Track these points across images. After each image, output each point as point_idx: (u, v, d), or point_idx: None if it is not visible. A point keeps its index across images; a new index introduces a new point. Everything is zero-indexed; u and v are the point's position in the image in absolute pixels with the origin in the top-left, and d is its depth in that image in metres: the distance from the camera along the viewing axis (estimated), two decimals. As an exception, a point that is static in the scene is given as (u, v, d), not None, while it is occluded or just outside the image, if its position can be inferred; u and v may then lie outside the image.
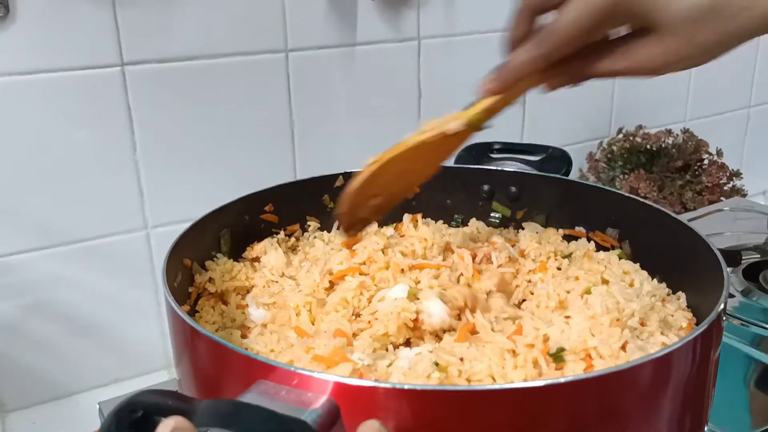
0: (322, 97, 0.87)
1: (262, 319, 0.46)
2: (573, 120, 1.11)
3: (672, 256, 0.49)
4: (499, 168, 0.61)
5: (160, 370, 0.84)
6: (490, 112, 0.49)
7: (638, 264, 0.53)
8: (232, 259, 0.54)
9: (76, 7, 0.70)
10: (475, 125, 0.48)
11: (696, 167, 1.11)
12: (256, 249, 0.55)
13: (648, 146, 1.11)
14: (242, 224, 0.55)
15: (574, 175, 1.11)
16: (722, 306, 0.39)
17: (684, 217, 0.95)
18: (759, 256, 0.86)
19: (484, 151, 0.64)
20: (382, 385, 0.30)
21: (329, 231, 0.61)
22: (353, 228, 0.52)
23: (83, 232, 0.77)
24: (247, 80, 0.81)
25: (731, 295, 0.77)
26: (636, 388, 0.34)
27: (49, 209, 0.74)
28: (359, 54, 0.88)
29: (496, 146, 0.64)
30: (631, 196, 0.54)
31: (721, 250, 0.71)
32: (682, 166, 1.09)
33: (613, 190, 0.55)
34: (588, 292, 0.46)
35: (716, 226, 0.95)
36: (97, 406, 0.63)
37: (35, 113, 0.71)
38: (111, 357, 0.82)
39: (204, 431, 0.27)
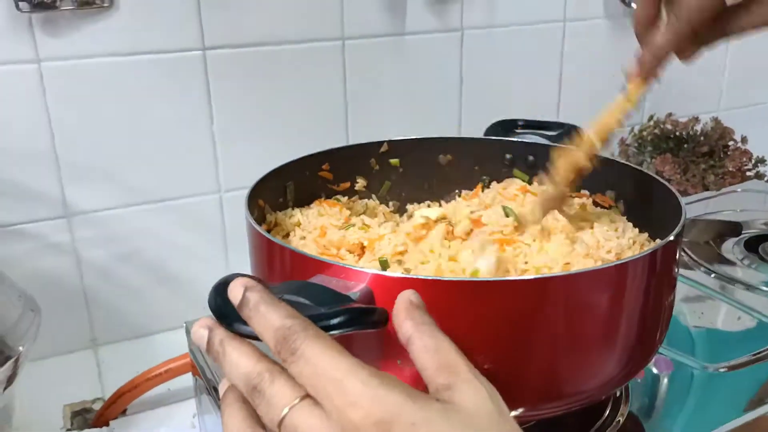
0: (373, 81, 0.97)
1: None
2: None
3: (650, 210, 0.59)
4: (519, 140, 0.71)
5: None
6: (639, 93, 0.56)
7: (629, 221, 0.63)
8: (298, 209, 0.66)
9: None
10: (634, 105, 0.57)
11: (721, 153, 1.18)
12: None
13: (676, 133, 1.19)
14: (304, 178, 0.67)
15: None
16: (677, 230, 0.49)
17: (699, 195, 1.04)
18: (764, 228, 0.95)
19: (511, 126, 0.75)
20: (407, 275, 0.42)
21: (376, 192, 0.73)
22: None
23: (165, 192, 0.88)
24: (309, 64, 0.92)
25: (731, 263, 0.87)
26: (583, 294, 0.44)
27: (137, 172, 0.86)
28: (408, 43, 0.99)
29: (520, 123, 0.74)
30: (623, 162, 0.64)
31: (723, 221, 0.82)
32: (708, 151, 1.17)
33: (610, 158, 0.65)
34: (573, 236, 0.57)
35: (727, 204, 1.04)
36: (184, 325, 0.76)
37: (131, 89, 0.83)
38: (184, 303, 0.93)
39: (280, 297, 0.39)
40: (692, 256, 0.87)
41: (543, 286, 0.43)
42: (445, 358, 0.37)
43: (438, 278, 0.42)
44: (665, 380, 0.65)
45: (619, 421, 0.59)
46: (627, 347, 0.49)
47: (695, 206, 1.03)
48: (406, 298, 0.40)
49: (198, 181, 0.90)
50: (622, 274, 0.45)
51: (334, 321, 0.37)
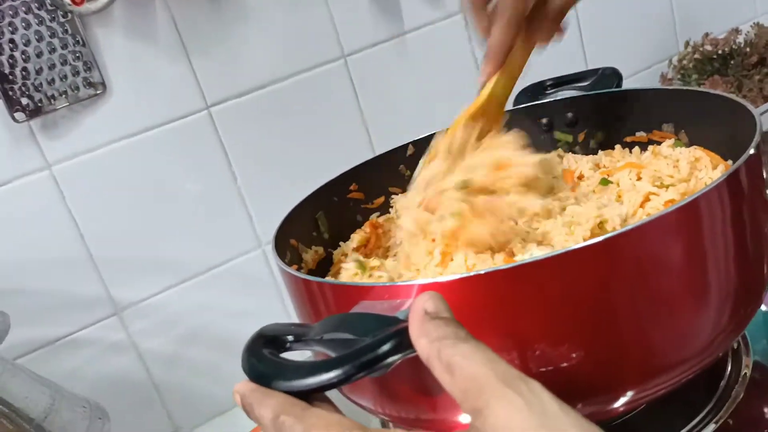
0: (386, 89, 0.93)
1: None
2: (636, 43, 1.12)
3: (720, 130, 0.52)
4: (552, 99, 0.64)
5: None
6: (505, 89, 0.55)
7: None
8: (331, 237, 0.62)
9: (158, 69, 0.80)
10: (493, 102, 0.55)
11: (774, 58, 1.08)
12: None
13: (719, 51, 1.10)
14: (333, 205, 0.62)
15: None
16: (752, 150, 0.41)
17: (762, 108, 0.95)
18: None
19: (539, 90, 0.68)
20: (458, 276, 0.36)
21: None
22: None
23: (208, 261, 0.86)
24: (316, 91, 0.88)
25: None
26: (655, 245, 0.38)
27: (175, 249, 0.84)
28: (411, 41, 0.94)
29: (549, 82, 0.67)
30: (670, 88, 0.56)
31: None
32: (758, 60, 1.07)
33: (659, 87, 0.58)
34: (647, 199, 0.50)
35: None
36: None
37: (147, 167, 0.81)
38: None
39: (319, 338, 0.33)
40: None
41: (608, 248, 0.36)
42: (465, 377, 0.29)
43: (493, 269, 0.36)
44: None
45: (746, 374, 0.51)
46: (728, 293, 0.41)
47: (763, 120, 0.93)
48: (419, 309, 0.32)
49: (237, 241, 0.87)
50: (695, 212, 0.38)
51: (384, 348, 0.31)
